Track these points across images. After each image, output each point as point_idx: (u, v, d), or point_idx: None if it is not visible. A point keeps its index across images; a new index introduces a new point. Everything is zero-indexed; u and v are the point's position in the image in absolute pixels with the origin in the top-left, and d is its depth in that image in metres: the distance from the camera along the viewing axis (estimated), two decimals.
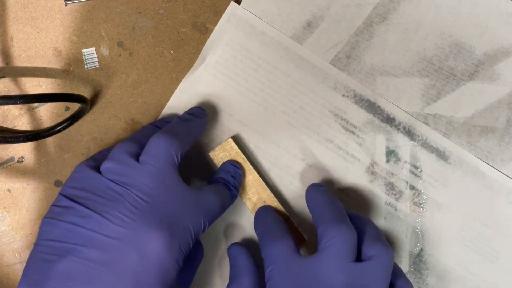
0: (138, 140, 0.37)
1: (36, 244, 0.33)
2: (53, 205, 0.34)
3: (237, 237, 0.42)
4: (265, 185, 0.41)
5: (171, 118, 0.42)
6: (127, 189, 0.33)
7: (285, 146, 0.43)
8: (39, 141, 0.43)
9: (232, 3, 0.43)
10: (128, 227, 0.32)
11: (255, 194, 0.41)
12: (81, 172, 0.35)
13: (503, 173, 0.41)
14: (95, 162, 0.37)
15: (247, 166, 0.41)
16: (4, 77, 0.43)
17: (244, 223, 0.42)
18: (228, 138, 0.42)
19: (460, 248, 0.41)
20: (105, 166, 0.35)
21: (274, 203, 0.41)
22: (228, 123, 0.43)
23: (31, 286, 0.31)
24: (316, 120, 0.42)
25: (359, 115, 0.42)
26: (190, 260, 0.37)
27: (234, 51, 0.43)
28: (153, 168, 0.34)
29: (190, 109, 0.41)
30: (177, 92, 0.43)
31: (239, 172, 0.40)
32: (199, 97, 0.43)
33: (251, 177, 0.41)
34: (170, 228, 0.33)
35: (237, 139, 0.43)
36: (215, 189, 0.38)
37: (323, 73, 0.43)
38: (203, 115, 0.41)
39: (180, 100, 0.43)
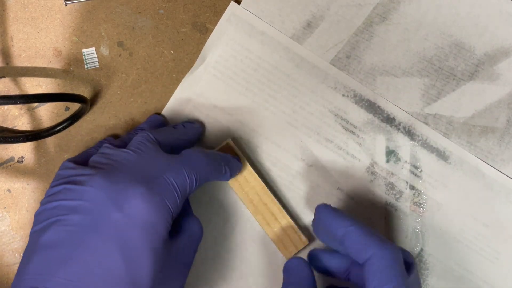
0: (125, 141, 0.39)
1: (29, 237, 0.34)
2: (41, 200, 0.35)
3: (236, 238, 0.42)
4: (265, 185, 0.41)
5: (155, 117, 0.43)
6: (108, 165, 0.34)
7: (285, 146, 0.43)
8: (39, 141, 0.43)
9: (232, 3, 0.43)
10: (108, 189, 0.33)
11: (255, 195, 0.41)
12: (65, 168, 0.36)
13: (503, 173, 0.41)
14: (81, 158, 0.38)
15: (247, 167, 0.41)
16: (4, 77, 0.43)
17: (244, 224, 0.42)
18: (228, 138, 0.42)
19: (460, 248, 0.41)
20: (92, 159, 0.36)
21: (274, 203, 0.41)
22: (228, 123, 0.43)
23: (20, 269, 0.32)
24: (316, 120, 0.42)
25: (359, 115, 0.42)
26: (188, 237, 0.37)
27: (234, 51, 0.43)
28: (133, 148, 0.36)
29: (184, 121, 0.42)
30: (177, 92, 0.43)
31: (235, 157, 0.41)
32: (199, 97, 0.43)
33: (251, 178, 0.41)
34: (148, 182, 0.33)
35: (237, 140, 0.43)
36: (199, 149, 0.38)
37: (323, 73, 0.43)
38: (195, 124, 0.42)
39: (180, 100, 0.43)
